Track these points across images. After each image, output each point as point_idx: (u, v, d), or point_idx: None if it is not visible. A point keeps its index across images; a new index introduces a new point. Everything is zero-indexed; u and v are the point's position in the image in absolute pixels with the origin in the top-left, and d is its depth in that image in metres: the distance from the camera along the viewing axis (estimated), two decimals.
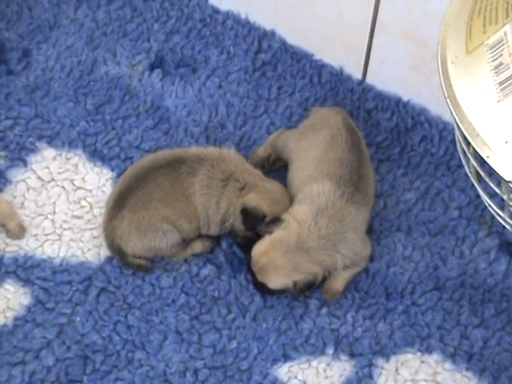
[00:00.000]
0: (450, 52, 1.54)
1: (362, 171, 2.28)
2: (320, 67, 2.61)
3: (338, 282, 2.24)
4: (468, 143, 1.48)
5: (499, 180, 1.46)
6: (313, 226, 2.16)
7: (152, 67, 2.63)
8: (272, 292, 2.23)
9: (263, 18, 2.71)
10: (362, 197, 2.25)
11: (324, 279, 2.23)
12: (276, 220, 2.21)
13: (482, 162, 1.48)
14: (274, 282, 2.18)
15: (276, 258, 2.16)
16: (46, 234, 2.35)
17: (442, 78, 1.53)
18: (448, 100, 1.49)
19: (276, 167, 2.43)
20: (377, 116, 2.55)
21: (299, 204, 2.21)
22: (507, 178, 1.41)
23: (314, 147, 2.32)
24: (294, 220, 2.18)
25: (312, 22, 2.64)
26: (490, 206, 1.61)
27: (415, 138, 2.49)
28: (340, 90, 2.60)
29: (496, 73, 1.44)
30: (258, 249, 2.19)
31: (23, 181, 2.42)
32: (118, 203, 2.28)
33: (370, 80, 2.62)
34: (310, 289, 2.21)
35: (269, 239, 2.18)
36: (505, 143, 1.42)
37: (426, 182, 2.44)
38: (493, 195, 1.58)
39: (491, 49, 1.46)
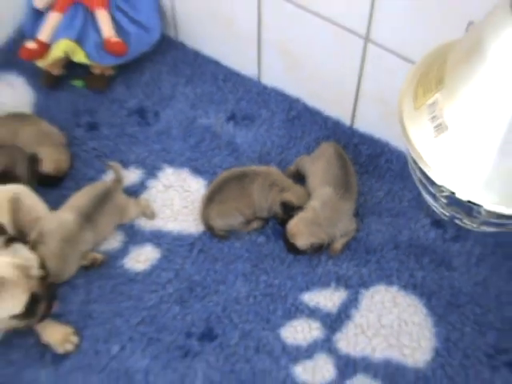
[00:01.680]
0: (405, 110, 1.62)
1: (348, 180, 2.42)
2: (325, 119, 2.64)
3: (338, 244, 2.40)
4: (415, 163, 1.59)
5: (433, 184, 1.57)
6: (321, 212, 2.35)
7: (228, 119, 2.69)
8: (298, 251, 2.36)
9: (292, 89, 2.70)
10: (349, 195, 2.40)
11: (329, 244, 2.39)
12: (300, 208, 2.38)
13: (423, 174, 1.59)
14: (300, 243, 2.34)
15: (301, 228, 2.34)
16: (168, 217, 2.50)
17: (401, 125, 1.61)
18: (405, 138, 1.59)
19: (299, 178, 2.52)
20: (359, 147, 2.59)
21: (313, 200, 2.39)
22: (438, 182, 1.54)
23: (319, 168, 2.45)
24: (311, 208, 2.37)
25: (322, 90, 2.62)
26: (427, 199, 1.76)
27: (382, 160, 2.57)
28: (337, 132, 2.63)
29: (432, 121, 1.54)
30: (291, 223, 2.35)
31: (154, 187, 2.56)
32: (209, 199, 2.45)
33: (355, 125, 2.64)
34: (320, 249, 2.37)
35: (297, 218, 2.34)
36: (437, 163, 1.53)
37: (388, 186, 2.54)
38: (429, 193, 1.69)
39: (429, 107, 1.55)
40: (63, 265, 2.32)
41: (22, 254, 2.19)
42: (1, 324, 1.96)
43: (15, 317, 1.94)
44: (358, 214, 2.48)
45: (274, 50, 2.63)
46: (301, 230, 2.34)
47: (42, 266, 2.07)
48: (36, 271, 2.00)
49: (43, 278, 2.02)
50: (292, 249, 2.38)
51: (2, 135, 2.56)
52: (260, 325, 2.31)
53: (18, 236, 2.29)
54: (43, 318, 2.08)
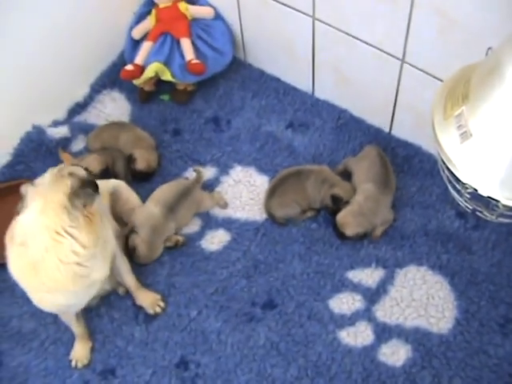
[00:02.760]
0: (436, 119, 1.61)
1: (388, 177, 2.38)
2: (368, 126, 2.60)
3: (378, 232, 2.36)
4: (444, 164, 1.57)
5: (459, 181, 1.57)
6: (364, 204, 2.32)
7: (287, 126, 2.65)
8: (346, 238, 2.34)
9: (341, 101, 2.66)
10: (388, 190, 2.36)
11: (371, 231, 2.36)
12: (347, 201, 2.35)
13: (451, 173, 1.58)
14: (349, 231, 2.31)
15: (349, 219, 2.32)
16: (237, 207, 2.49)
17: (433, 131, 1.60)
18: (435, 143, 1.58)
19: (346, 175, 2.46)
20: (396, 150, 2.54)
21: (358, 195, 2.35)
22: (463, 180, 1.53)
23: (363, 167, 2.41)
24: (356, 202, 2.34)
25: (365, 102, 2.58)
26: (453, 194, 1.73)
27: (416, 160, 2.51)
28: (378, 137, 2.58)
29: (458, 129, 1.53)
30: (340, 215, 2.33)
31: (226, 182, 2.55)
32: (271, 192, 2.43)
33: (393, 131, 2.59)
34: (364, 236, 2.35)
35: (345, 210, 2.32)
36: (463, 164, 1.53)
37: (420, 182, 2.48)
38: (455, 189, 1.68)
39: (456, 118, 1.54)
40: (152, 249, 2.36)
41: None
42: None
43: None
44: (394, 206, 2.43)
45: (326, 68, 2.60)
46: (349, 221, 2.32)
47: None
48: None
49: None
50: (341, 236, 2.36)
51: (106, 139, 2.62)
52: (312, 297, 2.31)
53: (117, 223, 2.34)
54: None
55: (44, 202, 1.83)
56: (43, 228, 1.82)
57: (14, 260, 1.92)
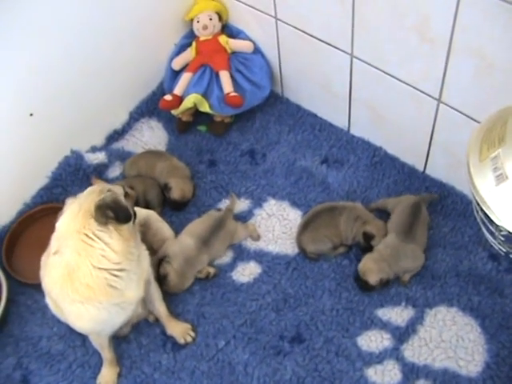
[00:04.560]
0: (471, 161, 1.61)
1: (413, 227, 2.37)
2: (403, 164, 2.62)
3: (405, 278, 2.36)
4: (479, 205, 1.57)
5: (493, 223, 1.56)
6: (384, 251, 2.33)
7: (322, 162, 2.69)
8: (369, 288, 2.33)
9: (376, 139, 2.69)
10: (410, 240, 2.34)
11: (398, 277, 2.36)
12: (377, 238, 2.38)
13: (485, 214, 1.56)
14: (371, 278, 2.31)
15: (370, 265, 2.32)
16: (269, 240, 2.52)
17: (468, 173, 1.60)
18: (470, 184, 1.58)
19: (380, 212, 2.49)
20: (430, 189, 2.55)
21: (379, 244, 2.37)
22: (497, 222, 1.52)
23: (395, 213, 2.43)
24: (376, 250, 2.35)
25: (400, 141, 2.60)
26: (487, 236, 1.69)
27: (449, 201, 2.52)
28: (412, 176, 2.60)
29: (494, 171, 1.54)
30: (362, 262, 2.34)
31: (259, 215, 2.58)
32: (304, 227, 2.45)
33: (427, 171, 2.61)
34: (387, 284, 2.34)
35: (365, 257, 2.34)
36: (498, 206, 1.52)
37: (453, 223, 2.48)
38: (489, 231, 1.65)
39: (492, 160, 1.55)
40: (183, 280, 2.40)
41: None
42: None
43: (126, 197, 2.06)
44: (426, 250, 2.45)
45: (362, 106, 2.64)
46: (371, 267, 2.32)
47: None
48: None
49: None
50: (364, 287, 2.36)
51: (143, 167, 2.70)
52: (340, 333, 2.32)
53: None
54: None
55: (77, 209, 1.92)
56: (74, 232, 1.90)
57: (49, 272, 2.00)
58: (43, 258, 2.10)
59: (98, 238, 1.91)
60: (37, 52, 2.34)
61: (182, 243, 2.43)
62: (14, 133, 2.42)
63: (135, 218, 2.08)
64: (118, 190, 2.05)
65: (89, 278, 1.92)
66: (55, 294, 2.03)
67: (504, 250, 1.70)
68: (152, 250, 2.37)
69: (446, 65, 2.16)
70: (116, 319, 2.11)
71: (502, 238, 1.64)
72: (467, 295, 2.34)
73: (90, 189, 2.03)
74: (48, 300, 2.13)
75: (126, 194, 2.07)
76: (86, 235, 1.90)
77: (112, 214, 1.90)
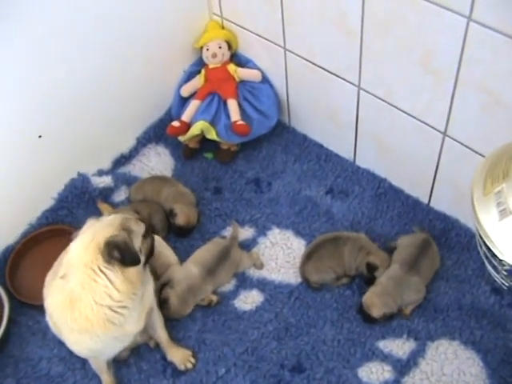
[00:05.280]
0: (475, 195, 1.62)
1: (419, 260, 2.37)
2: (407, 196, 2.64)
3: (407, 310, 2.37)
4: (482, 239, 1.58)
5: (496, 258, 1.57)
6: (387, 284, 2.33)
7: (327, 192, 2.70)
8: (372, 320, 2.34)
9: (381, 171, 2.71)
10: (414, 272, 2.35)
11: (400, 310, 2.36)
12: (380, 269, 2.39)
13: (488, 249, 1.58)
14: (375, 313, 2.31)
15: (374, 300, 2.32)
16: (273, 269, 2.53)
17: (471, 207, 1.61)
18: (474, 218, 1.59)
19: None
20: (433, 222, 2.57)
21: (383, 275, 2.37)
22: (500, 257, 1.54)
23: (402, 245, 2.43)
24: (379, 283, 2.35)
25: (405, 173, 2.62)
26: (490, 270, 1.70)
27: (453, 233, 2.52)
28: (416, 208, 2.61)
29: (498, 206, 1.55)
30: (366, 296, 2.34)
31: (263, 243, 2.59)
32: (307, 257, 2.46)
33: (432, 203, 2.62)
34: (391, 317, 2.35)
35: (369, 291, 2.34)
36: (501, 241, 1.53)
37: (456, 256, 2.49)
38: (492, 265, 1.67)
39: (496, 195, 1.56)
40: (184, 306, 2.41)
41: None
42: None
43: (144, 237, 2.03)
44: (429, 284, 2.45)
45: (368, 137, 2.67)
46: (375, 302, 2.32)
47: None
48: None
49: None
50: (367, 319, 2.36)
51: (148, 192, 2.72)
52: (341, 364, 2.31)
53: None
54: (153, 240, 2.15)
55: (90, 238, 1.91)
56: (82, 263, 1.89)
57: (53, 294, 2.01)
58: (48, 278, 2.13)
59: (103, 274, 1.90)
60: (48, 74, 2.37)
61: (187, 271, 2.44)
62: (22, 153, 2.45)
63: (148, 260, 2.08)
64: (139, 228, 2.02)
65: (89, 310, 1.93)
66: (55, 317, 2.05)
67: (506, 284, 1.69)
68: (155, 275, 2.39)
69: (452, 99, 2.18)
70: (113, 349, 2.15)
71: (505, 273, 1.64)
72: (469, 329, 2.33)
73: (111, 218, 2.01)
74: (48, 319, 2.12)
75: (147, 234, 2.06)
76: (93, 270, 1.89)
77: (118, 255, 1.89)
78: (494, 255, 1.58)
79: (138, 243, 1.98)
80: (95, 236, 1.91)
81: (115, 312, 1.96)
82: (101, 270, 1.90)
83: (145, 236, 2.03)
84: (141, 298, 2.05)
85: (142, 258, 2.00)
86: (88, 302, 1.92)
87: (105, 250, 1.88)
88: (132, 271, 1.94)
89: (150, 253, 2.11)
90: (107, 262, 1.89)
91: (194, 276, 2.43)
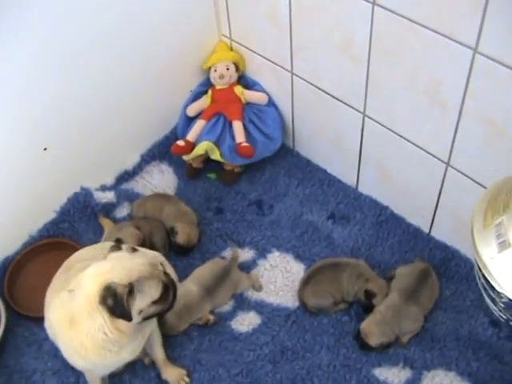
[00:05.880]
0: (476, 226, 1.64)
1: (418, 290, 2.37)
2: (408, 225, 2.64)
3: (405, 339, 2.36)
4: (481, 271, 1.59)
5: (494, 290, 1.58)
6: (386, 313, 2.33)
7: (329, 218, 2.71)
8: (369, 348, 2.33)
9: (383, 198, 2.72)
10: (412, 302, 2.34)
11: (397, 338, 2.35)
12: (378, 297, 2.39)
13: (486, 280, 1.59)
14: (372, 341, 2.31)
15: (373, 329, 2.32)
16: (271, 291, 2.53)
17: (471, 238, 1.63)
18: (473, 249, 1.61)
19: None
20: (433, 251, 2.57)
21: (381, 304, 2.36)
22: (498, 289, 1.55)
23: (402, 274, 2.44)
24: (378, 312, 2.34)
25: (407, 201, 2.62)
26: (487, 302, 1.71)
27: (452, 263, 2.53)
28: (417, 237, 2.61)
29: (497, 238, 1.56)
30: (364, 324, 2.34)
31: (263, 265, 2.59)
32: (306, 281, 2.47)
33: (432, 233, 2.62)
34: (388, 347, 2.35)
35: (368, 320, 2.33)
36: (499, 273, 1.54)
37: (455, 286, 2.48)
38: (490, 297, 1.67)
39: (496, 227, 1.57)
40: (179, 322, 2.40)
41: (149, 254, 2.27)
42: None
43: (154, 303, 1.95)
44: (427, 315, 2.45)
45: (371, 164, 2.69)
46: (373, 331, 2.32)
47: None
48: (161, 266, 2.02)
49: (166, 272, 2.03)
50: (364, 347, 2.36)
51: (150, 209, 2.73)
52: None
53: None
54: (172, 304, 2.05)
55: (107, 270, 1.88)
56: (87, 290, 1.87)
57: (56, 305, 1.99)
58: (55, 281, 2.14)
59: (99, 311, 1.87)
60: (55, 87, 2.39)
61: (185, 288, 2.43)
62: (26, 165, 2.47)
63: (149, 318, 2.01)
64: (153, 292, 1.92)
65: (84, 337, 1.91)
66: (55, 330, 2.05)
67: (504, 317, 1.70)
68: None
69: (456, 129, 2.20)
70: (108, 369, 2.15)
71: (503, 305, 1.64)
72: (466, 360, 2.32)
73: (138, 263, 1.92)
74: (47, 324, 2.12)
75: (161, 301, 1.96)
76: (93, 302, 1.87)
77: (111, 303, 1.84)
78: (492, 287, 1.58)
79: (141, 305, 1.91)
80: (112, 271, 1.88)
81: (111, 344, 1.94)
82: (97, 307, 1.87)
83: (156, 302, 1.95)
84: (139, 336, 2.04)
85: (138, 319, 1.93)
86: (84, 328, 1.90)
87: (102, 292, 1.85)
88: (122, 323, 1.90)
89: (159, 315, 2.05)
90: (100, 304, 1.86)
91: (193, 294, 2.43)
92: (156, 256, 2.36)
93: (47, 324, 2.10)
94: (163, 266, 2.04)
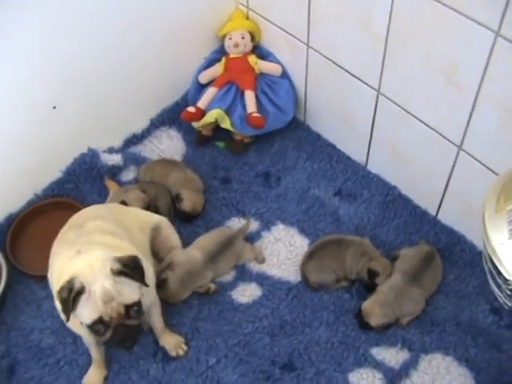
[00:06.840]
0: (487, 211, 1.62)
1: (422, 272, 2.37)
2: (415, 207, 2.63)
3: (404, 321, 2.36)
4: (489, 256, 1.57)
5: (501, 276, 1.57)
6: (389, 295, 2.32)
7: (336, 194, 2.70)
8: (369, 328, 2.34)
9: (391, 178, 2.71)
10: (415, 283, 2.34)
11: (397, 319, 2.35)
12: (381, 276, 2.38)
13: (494, 266, 1.57)
14: (374, 322, 2.31)
15: (375, 309, 2.32)
16: (273, 264, 2.53)
17: (482, 223, 1.62)
18: (483, 234, 1.60)
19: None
20: (439, 235, 2.56)
21: (384, 284, 2.36)
22: (506, 276, 1.54)
23: (406, 256, 2.42)
24: (381, 292, 2.33)
25: (416, 183, 2.62)
26: (493, 288, 1.69)
27: (457, 248, 2.52)
28: (423, 219, 2.61)
29: (509, 224, 1.56)
30: (366, 304, 2.33)
31: (267, 238, 2.60)
32: (309, 256, 2.47)
33: (439, 216, 2.62)
34: (389, 327, 2.35)
35: (370, 300, 2.33)
36: (508, 260, 1.53)
37: (459, 271, 2.47)
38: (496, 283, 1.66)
39: (508, 212, 1.57)
40: (181, 290, 2.41)
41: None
42: None
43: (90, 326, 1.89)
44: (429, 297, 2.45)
45: (382, 144, 2.67)
46: (375, 311, 2.32)
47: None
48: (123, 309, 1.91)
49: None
50: (364, 326, 2.37)
51: (157, 174, 2.73)
52: (333, 366, 2.31)
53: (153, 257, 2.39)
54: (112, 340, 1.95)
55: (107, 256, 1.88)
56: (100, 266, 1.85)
57: (62, 264, 1.96)
58: (64, 234, 2.12)
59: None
60: (66, 48, 2.38)
61: (189, 255, 2.44)
62: (35, 123, 2.46)
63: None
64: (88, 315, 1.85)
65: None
66: (53, 277, 2.01)
67: (509, 304, 1.69)
68: (158, 257, 2.42)
69: (471, 113, 2.18)
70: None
71: (509, 292, 1.63)
72: (465, 346, 2.33)
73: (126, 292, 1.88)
74: (49, 274, 2.09)
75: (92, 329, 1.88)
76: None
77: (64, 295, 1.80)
78: (499, 273, 1.57)
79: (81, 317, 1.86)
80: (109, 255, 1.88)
81: None
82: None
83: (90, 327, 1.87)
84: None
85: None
86: None
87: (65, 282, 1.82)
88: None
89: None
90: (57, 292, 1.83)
91: (196, 261, 2.43)
92: (161, 219, 2.41)
93: (50, 272, 2.07)
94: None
